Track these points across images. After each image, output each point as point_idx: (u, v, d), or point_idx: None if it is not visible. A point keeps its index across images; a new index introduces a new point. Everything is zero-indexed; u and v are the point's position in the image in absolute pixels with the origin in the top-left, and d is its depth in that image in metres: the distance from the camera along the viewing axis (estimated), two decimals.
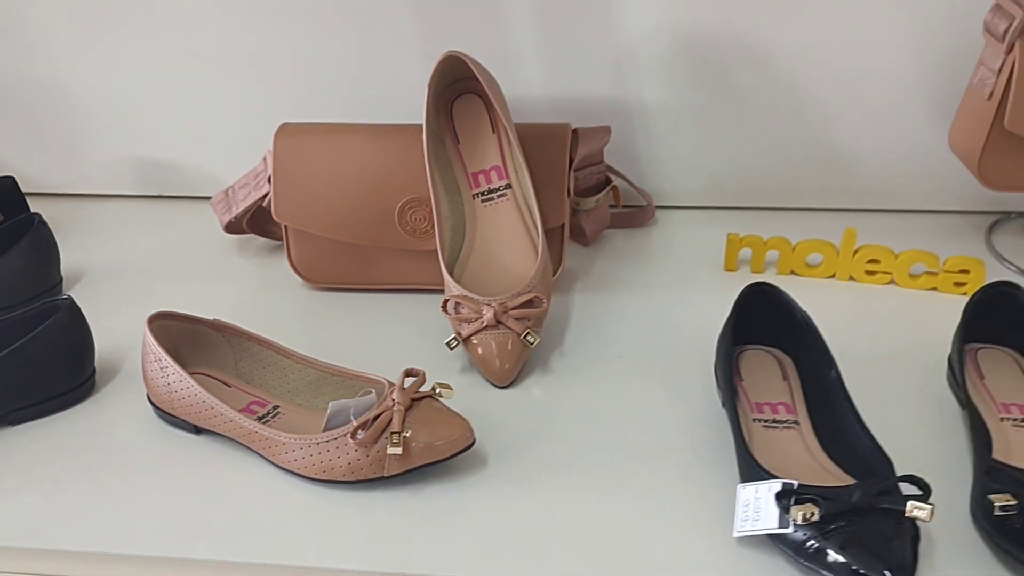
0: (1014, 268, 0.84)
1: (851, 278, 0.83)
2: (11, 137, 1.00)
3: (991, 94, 0.78)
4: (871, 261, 0.82)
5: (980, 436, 0.60)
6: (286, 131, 0.80)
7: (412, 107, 0.76)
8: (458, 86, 0.76)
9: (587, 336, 0.76)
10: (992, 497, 0.53)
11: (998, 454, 0.60)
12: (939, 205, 0.92)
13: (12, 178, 0.93)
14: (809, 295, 0.69)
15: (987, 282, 0.70)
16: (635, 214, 0.93)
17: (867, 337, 0.74)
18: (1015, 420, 0.63)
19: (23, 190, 0.94)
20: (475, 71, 0.72)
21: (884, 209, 0.93)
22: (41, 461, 0.65)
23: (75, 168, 1.01)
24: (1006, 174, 0.81)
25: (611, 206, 0.91)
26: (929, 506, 0.51)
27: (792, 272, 0.84)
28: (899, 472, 0.55)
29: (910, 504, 0.51)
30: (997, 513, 0.53)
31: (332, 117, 0.84)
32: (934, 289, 0.81)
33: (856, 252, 0.82)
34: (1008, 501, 0.52)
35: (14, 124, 0.99)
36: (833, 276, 0.83)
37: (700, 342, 0.71)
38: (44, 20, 0.92)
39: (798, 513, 0.52)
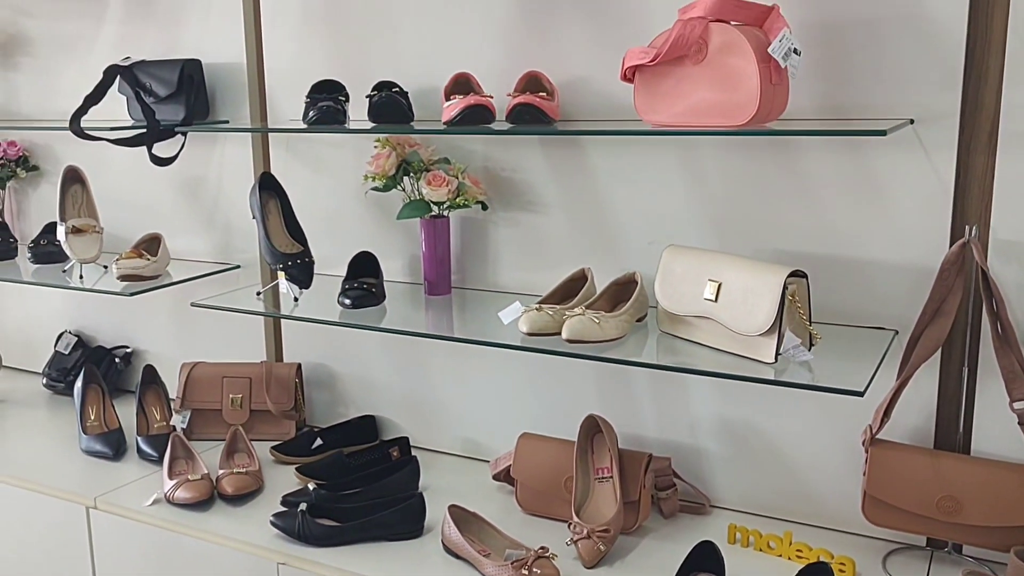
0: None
1: (789, 558, 1.56)
2: (410, 418, 2.07)
3: (864, 472, 1.52)
4: (799, 551, 1.55)
5: None
6: (525, 437, 1.76)
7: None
8: (595, 428, 1.68)
9: (641, 557, 1.58)
10: None
11: None
12: (862, 530, 1.62)
13: (406, 437, 1.99)
14: (763, 562, 1.47)
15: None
16: (698, 507, 1.74)
17: None
18: None
19: (412, 444, 2.00)
20: (601, 424, 1.64)
21: (826, 527, 1.65)
22: (403, 549, 1.61)
23: (435, 437, 2.05)
24: (878, 517, 1.51)
25: (680, 500, 1.73)
26: None
27: (760, 550, 1.59)
28: None
29: None
30: None
31: (552, 428, 1.79)
32: None
33: (791, 544, 1.56)
34: None
35: (415, 418, 2.07)
36: (780, 556, 1.57)
37: None
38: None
39: None
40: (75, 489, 1.89)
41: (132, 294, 1.99)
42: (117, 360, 2.45)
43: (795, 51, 1.32)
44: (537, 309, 1.54)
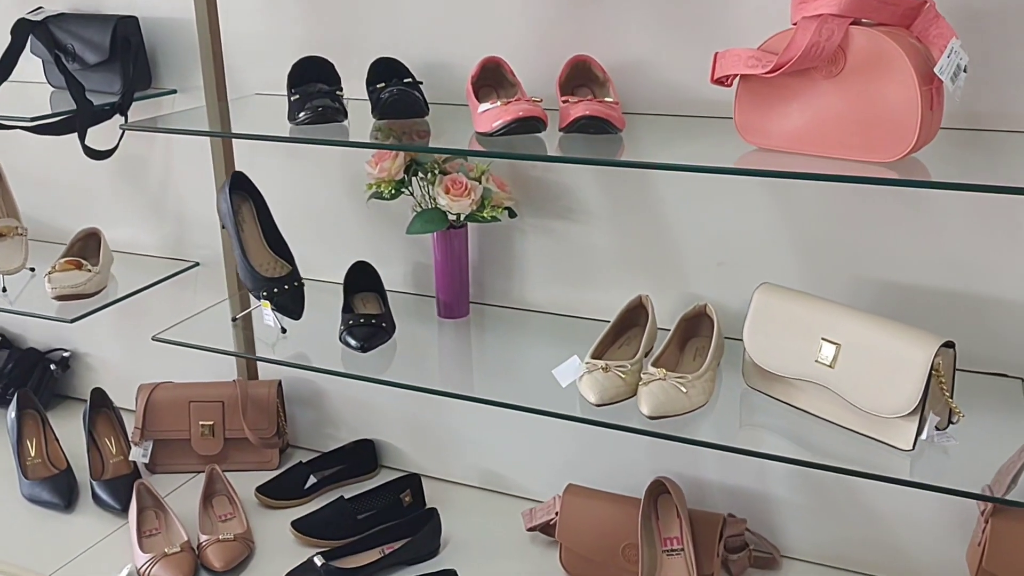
0: None
1: None
2: (416, 443, 1.79)
3: (980, 543, 1.32)
4: None
5: None
6: (571, 490, 1.50)
7: (639, 485, 1.44)
8: (661, 489, 1.43)
9: None
10: None
11: None
12: None
13: (418, 476, 1.71)
14: None
15: None
16: (768, 560, 1.53)
17: None
18: None
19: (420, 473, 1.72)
20: (668, 486, 1.39)
21: None
22: None
23: (447, 467, 1.78)
24: None
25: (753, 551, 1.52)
26: None
27: None
28: None
29: None
30: None
31: (591, 460, 1.54)
32: None
33: None
34: None
35: (422, 444, 1.79)
36: None
37: None
38: None
39: None
40: (23, 561, 1.57)
41: (73, 320, 1.62)
42: (53, 366, 2.08)
43: (964, 68, 1.02)
44: (604, 368, 1.26)
